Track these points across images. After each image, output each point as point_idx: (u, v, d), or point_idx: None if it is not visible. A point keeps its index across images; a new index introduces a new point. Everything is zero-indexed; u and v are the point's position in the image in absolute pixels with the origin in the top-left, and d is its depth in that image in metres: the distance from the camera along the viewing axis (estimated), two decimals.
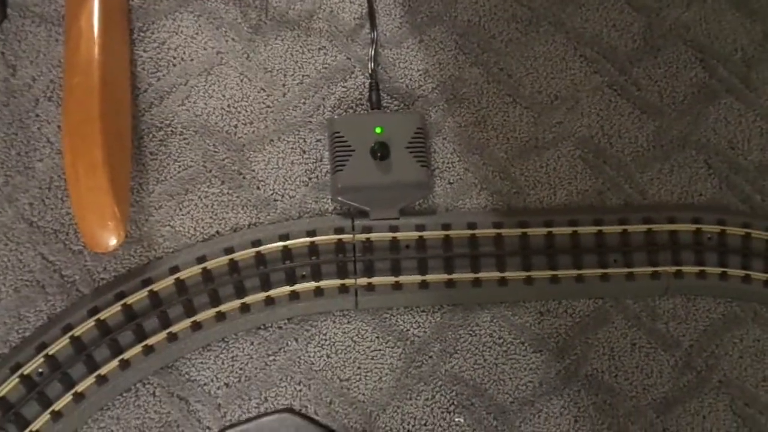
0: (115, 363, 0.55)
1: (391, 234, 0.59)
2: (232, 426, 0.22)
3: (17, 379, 0.53)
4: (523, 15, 0.68)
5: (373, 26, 0.65)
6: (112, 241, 0.53)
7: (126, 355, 0.55)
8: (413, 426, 0.57)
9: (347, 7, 0.67)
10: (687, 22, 0.68)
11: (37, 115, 0.60)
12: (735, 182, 0.64)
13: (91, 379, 0.54)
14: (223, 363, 0.57)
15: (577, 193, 0.63)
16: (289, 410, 0.24)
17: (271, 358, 0.57)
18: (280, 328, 0.58)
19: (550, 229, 0.61)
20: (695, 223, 0.61)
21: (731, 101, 0.66)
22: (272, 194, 0.61)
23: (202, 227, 0.60)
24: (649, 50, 0.67)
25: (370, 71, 0.64)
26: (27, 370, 0.53)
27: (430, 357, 0.59)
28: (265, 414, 0.23)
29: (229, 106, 0.62)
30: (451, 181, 0.63)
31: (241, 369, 0.57)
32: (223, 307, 0.57)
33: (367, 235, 0.59)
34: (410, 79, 0.65)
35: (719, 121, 0.66)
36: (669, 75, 0.67)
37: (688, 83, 0.66)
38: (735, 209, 0.64)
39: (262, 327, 0.58)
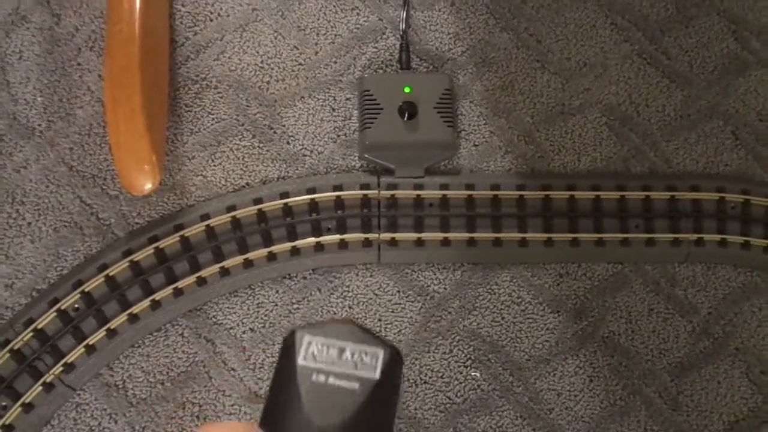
0: (146, 303, 0.57)
1: (415, 192, 0.61)
2: (303, 326, 0.27)
3: (54, 313, 0.56)
4: None
5: None
6: (148, 185, 0.55)
7: (157, 296, 0.57)
8: (430, 378, 0.59)
9: None
10: None
11: (79, 64, 0.62)
12: (761, 154, 0.64)
13: (123, 317, 0.57)
14: (248, 309, 0.59)
15: (602, 159, 0.64)
16: (352, 321, 0.28)
17: (295, 306, 0.59)
18: (304, 278, 0.60)
19: (572, 193, 0.61)
20: (719, 192, 0.61)
21: (762, 73, 0.66)
22: (301, 149, 0.63)
23: (233, 178, 0.61)
24: (680, 20, 0.67)
25: (401, 32, 0.65)
26: (64, 305, 0.56)
27: (449, 312, 0.60)
28: (332, 321, 0.28)
29: (262, 62, 0.64)
30: (477, 143, 0.64)
31: (265, 315, 0.59)
32: (250, 255, 0.59)
33: (392, 192, 0.60)
34: (440, 42, 0.66)
35: (749, 93, 0.66)
36: (700, 45, 0.66)
37: (719, 54, 0.66)
38: (760, 180, 0.64)
39: (287, 276, 0.60)
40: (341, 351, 0.27)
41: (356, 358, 0.27)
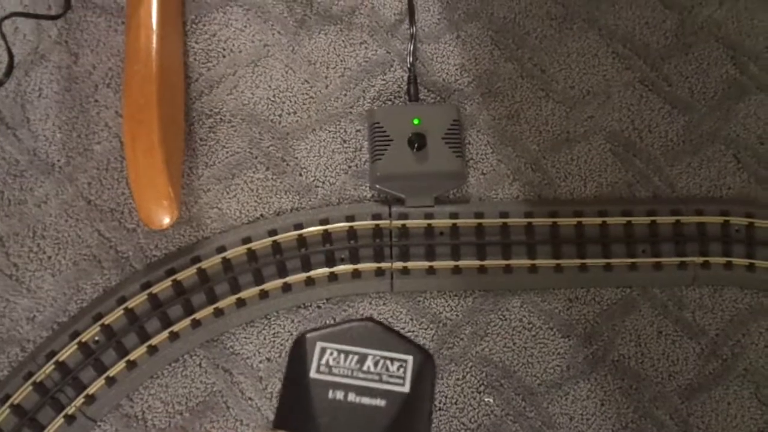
0: (165, 334, 0.58)
1: (426, 221, 0.62)
2: (316, 329, 0.23)
3: (75, 346, 0.57)
4: (557, 12, 0.70)
5: (413, 22, 0.68)
6: (166, 220, 0.57)
7: (175, 328, 0.58)
8: (444, 404, 0.60)
9: (388, 3, 0.69)
10: (719, 20, 0.70)
11: (96, 101, 0.64)
12: (764, 176, 0.66)
13: (142, 349, 0.58)
14: (265, 338, 0.60)
15: (607, 185, 0.65)
16: (371, 319, 0.25)
17: None
18: (319, 307, 0.61)
19: (579, 219, 0.63)
20: (723, 216, 0.63)
21: (762, 98, 0.68)
22: (314, 181, 0.64)
23: (248, 210, 0.63)
24: (680, 47, 0.69)
25: (408, 65, 0.67)
26: (84, 337, 0.57)
27: (462, 339, 0.61)
28: (348, 321, 0.25)
29: (274, 96, 0.66)
30: (485, 171, 0.65)
31: (281, 345, 0.60)
32: (266, 286, 0.60)
33: (404, 222, 0.62)
34: (447, 73, 0.67)
35: (749, 117, 0.67)
36: (700, 71, 0.68)
37: (719, 80, 0.68)
38: (763, 203, 0.65)
39: (302, 306, 0.61)
40: (362, 360, 0.22)
41: (381, 368, 0.22)
